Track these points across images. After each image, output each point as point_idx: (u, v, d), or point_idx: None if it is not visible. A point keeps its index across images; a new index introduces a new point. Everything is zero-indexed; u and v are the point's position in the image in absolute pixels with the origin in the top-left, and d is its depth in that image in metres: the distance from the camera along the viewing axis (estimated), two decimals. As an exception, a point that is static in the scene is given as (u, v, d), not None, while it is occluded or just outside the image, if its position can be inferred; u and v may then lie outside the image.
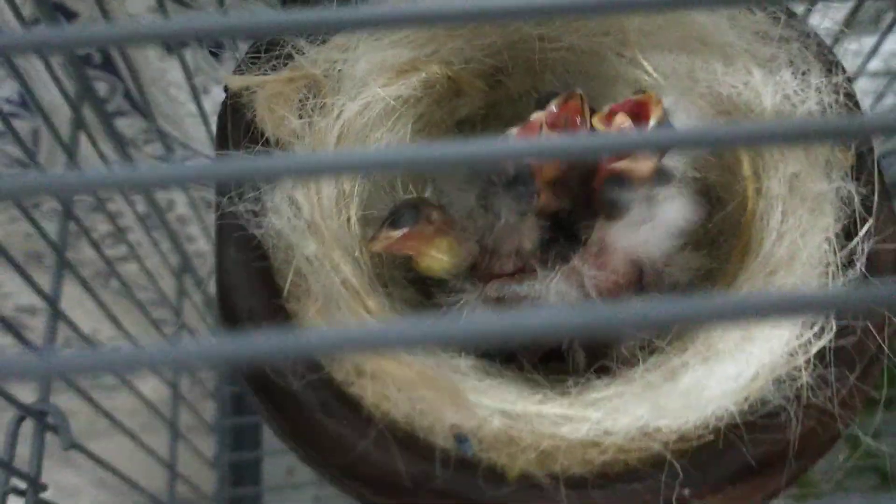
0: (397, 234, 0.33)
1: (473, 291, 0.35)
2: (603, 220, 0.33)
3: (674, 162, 0.34)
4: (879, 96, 0.72)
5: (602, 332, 0.15)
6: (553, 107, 0.33)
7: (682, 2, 0.19)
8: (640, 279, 0.35)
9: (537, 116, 0.32)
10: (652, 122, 0.32)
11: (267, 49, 0.34)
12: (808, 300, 0.16)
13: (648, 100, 0.32)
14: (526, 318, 0.15)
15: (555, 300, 0.33)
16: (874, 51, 0.64)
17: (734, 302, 0.16)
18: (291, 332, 0.15)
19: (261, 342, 0.15)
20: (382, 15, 0.17)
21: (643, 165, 0.31)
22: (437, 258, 0.35)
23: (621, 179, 0.32)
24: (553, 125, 0.33)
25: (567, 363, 0.36)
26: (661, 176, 0.32)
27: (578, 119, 0.33)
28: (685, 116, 0.35)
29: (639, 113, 0.32)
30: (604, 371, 0.33)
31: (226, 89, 0.33)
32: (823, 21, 0.68)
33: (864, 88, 0.74)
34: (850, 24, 0.61)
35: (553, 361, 0.36)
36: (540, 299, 0.33)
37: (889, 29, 0.64)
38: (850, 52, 0.67)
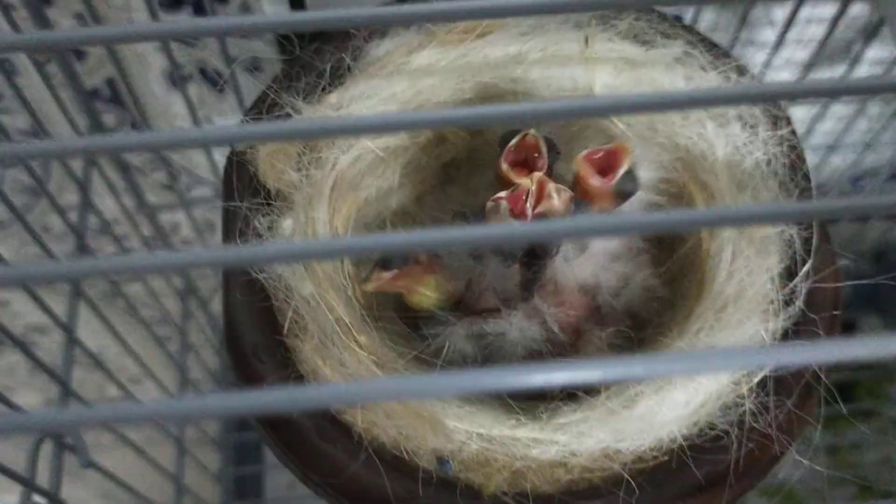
0: (388, 275, 0.36)
1: (456, 324, 0.39)
2: (545, 262, 0.37)
3: (630, 208, 0.38)
4: (851, 121, 0.76)
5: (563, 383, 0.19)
6: (511, 146, 0.37)
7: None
8: (597, 309, 0.39)
9: (522, 186, 0.35)
10: (622, 170, 0.36)
11: (268, 109, 0.37)
12: (747, 358, 0.20)
13: (620, 150, 0.36)
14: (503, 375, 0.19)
15: (517, 336, 0.37)
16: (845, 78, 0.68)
17: (684, 360, 0.19)
18: (293, 389, 0.18)
19: (265, 398, 0.18)
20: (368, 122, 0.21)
21: (558, 203, 0.35)
22: (426, 294, 0.38)
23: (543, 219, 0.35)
24: (514, 162, 0.37)
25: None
26: (578, 208, 0.35)
27: (536, 154, 0.37)
28: (646, 162, 0.39)
29: (610, 161, 0.36)
30: (572, 397, 0.37)
31: (231, 146, 0.37)
32: (795, 53, 0.72)
33: (839, 114, 0.78)
34: (821, 55, 0.65)
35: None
36: (505, 335, 0.37)
37: (857, 59, 0.68)
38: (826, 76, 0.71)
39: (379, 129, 0.22)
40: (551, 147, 0.37)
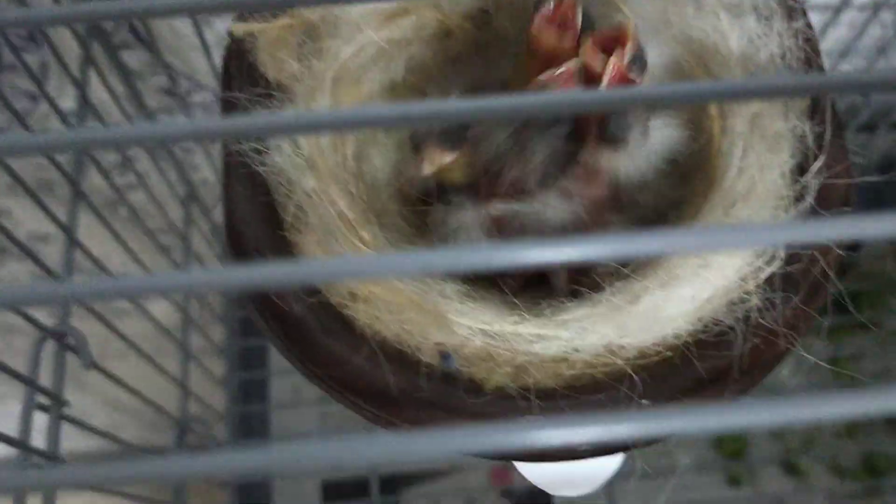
0: (450, 156, 0.35)
1: (473, 211, 0.38)
2: (597, 146, 0.36)
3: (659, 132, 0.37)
4: (863, 27, 0.74)
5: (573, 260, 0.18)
6: (550, 5, 0.36)
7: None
8: (619, 200, 0.38)
9: (567, 67, 0.34)
10: (628, 48, 0.34)
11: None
12: (760, 234, 0.19)
13: (624, 28, 0.35)
14: (520, 249, 0.18)
15: (552, 216, 0.36)
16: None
17: (696, 235, 0.19)
18: (294, 262, 0.18)
19: (266, 272, 0.18)
20: None
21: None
22: (456, 172, 0.37)
23: (621, 114, 0.34)
24: (552, 20, 0.36)
25: (551, 286, 0.39)
26: (635, 67, 0.34)
27: (571, 15, 0.36)
28: (657, 53, 0.38)
29: (616, 41, 0.35)
30: (576, 295, 0.36)
31: (230, 35, 0.36)
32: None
33: (851, 20, 0.76)
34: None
35: (533, 288, 0.40)
36: (538, 216, 0.36)
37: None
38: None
39: None
40: (586, 19, 0.36)
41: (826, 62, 0.77)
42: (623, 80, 0.34)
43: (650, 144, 0.37)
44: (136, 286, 0.18)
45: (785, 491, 0.81)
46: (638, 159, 0.37)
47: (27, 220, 0.87)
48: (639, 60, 0.35)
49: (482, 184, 0.37)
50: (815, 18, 0.71)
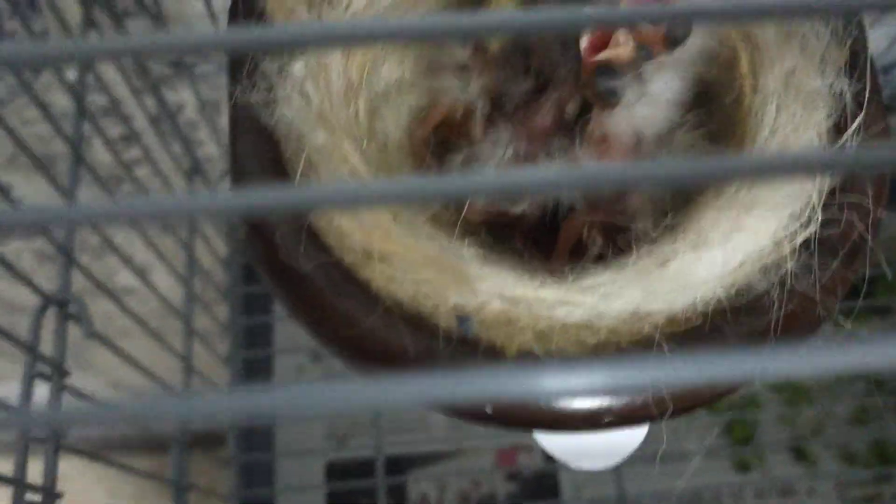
0: None
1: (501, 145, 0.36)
2: (598, 110, 0.34)
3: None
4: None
5: (609, 187, 0.17)
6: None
7: None
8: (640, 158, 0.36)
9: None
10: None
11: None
12: (813, 161, 0.17)
13: None
14: (528, 174, 0.17)
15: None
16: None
17: (742, 162, 0.17)
18: (298, 187, 0.16)
19: (269, 194, 0.16)
20: None
21: (624, 50, 0.32)
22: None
23: (608, 69, 0.33)
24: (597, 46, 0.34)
25: (582, 251, 0.38)
26: (642, 54, 0.33)
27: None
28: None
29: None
30: (601, 258, 0.35)
31: (237, -19, 0.34)
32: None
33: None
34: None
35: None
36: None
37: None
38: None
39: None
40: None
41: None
42: None
43: (656, 96, 0.35)
44: (135, 209, 0.17)
45: (794, 477, 0.79)
46: (651, 108, 0.35)
47: (29, 195, 0.86)
48: (682, 24, 0.33)
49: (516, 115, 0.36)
50: None
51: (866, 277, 0.33)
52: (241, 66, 0.33)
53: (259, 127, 0.32)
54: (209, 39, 0.17)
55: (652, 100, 0.34)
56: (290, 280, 0.31)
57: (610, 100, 0.33)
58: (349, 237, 0.30)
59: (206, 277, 0.79)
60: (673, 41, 0.32)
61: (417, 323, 0.31)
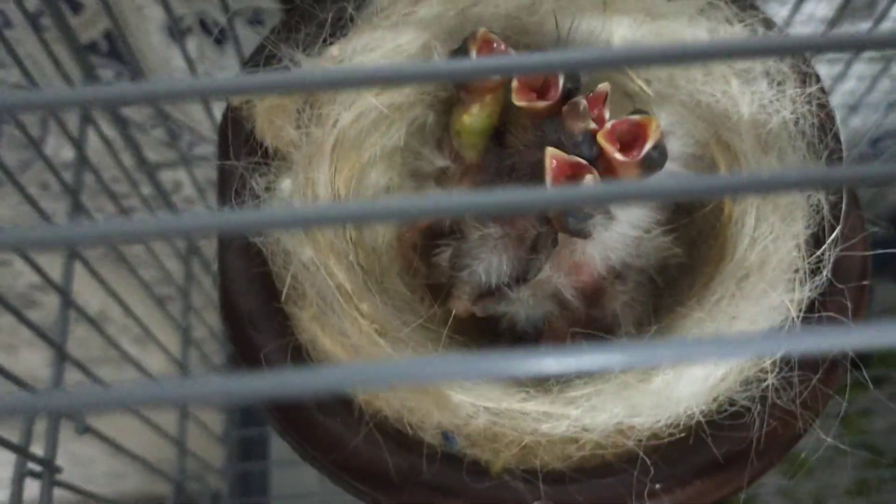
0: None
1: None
2: (567, 239, 0.35)
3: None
4: (873, 81, 0.73)
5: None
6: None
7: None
8: (614, 269, 0.37)
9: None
10: (648, 146, 0.33)
11: (265, 62, 0.35)
12: (759, 343, 0.18)
13: (647, 123, 0.33)
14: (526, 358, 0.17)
15: (530, 313, 0.36)
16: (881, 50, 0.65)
17: (687, 347, 0.17)
18: (302, 371, 0.16)
19: (272, 382, 0.16)
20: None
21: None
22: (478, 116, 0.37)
23: (577, 209, 0.33)
24: (530, 88, 0.35)
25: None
26: (652, 160, 0.33)
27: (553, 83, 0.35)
28: (680, 135, 0.37)
29: (637, 134, 0.33)
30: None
31: (228, 103, 0.35)
32: (818, 7, 0.69)
33: (860, 74, 0.75)
34: (845, 10, 0.62)
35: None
36: (515, 315, 0.36)
37: (883, 14, 0.65)
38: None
39: (378, 81, 0.20)
40: (570, 76, 0.35)
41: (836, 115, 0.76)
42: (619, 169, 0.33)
43: (623, 225, 0.36)
44: (130, 396, 0.17)
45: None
46: (612, 241, 0.36)
47: (27, 272, 0.86)
48: (655, 155, 0.33)
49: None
50: (824, 71, 0.71)
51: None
52: (230, 183, 0.34)
53: (247, 245, 0.33)
54: (206, 221, 0.17)
55: (620, 228, 0.35)
56: (279, 400, 0.31)
57: (581, 235, 0.34)
58: (334, 356, 0.31)
59: (200, 353, 0.79)
60: (649, 167, 0.33)
61: (402, 440, 0.31)
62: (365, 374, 0.17)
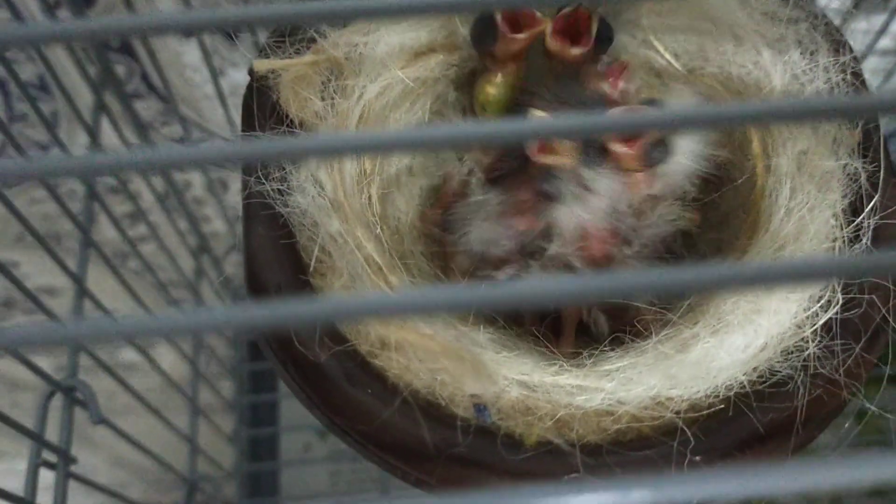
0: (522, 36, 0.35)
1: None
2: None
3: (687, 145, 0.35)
4: (889, 74, 0.72)
5: (614, 296, 0.17)
6: (564, 14, 0.35)
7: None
8: (622, 236, 0.36)
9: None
10: (645, 138, 0.33)
11: (290, 33, 0.35)
12: (817, 268, 0.17)
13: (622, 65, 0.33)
14: (536, 286, 0.16)
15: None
16: (883, 29, 0.65)
17: (744, 270, 0.17)
18: (312, 300, 0.16)
19: (281, 310, 0.16)
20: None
21: (566, 159, 0.33)
22: (493, 89, 0.37)
23: (549, 172, 0.33)
24: (561, 31, 0.35)
25: (590, 332, 0.37)
26: (653, 155, 0.33)
27: (584, 30, 0.35)
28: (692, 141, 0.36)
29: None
30: (618, 342, 0.34)
31: (251, 72, 0.34)
32: (832, 0, 0.69)
33: (873, 67, 0.75)
34: (860, 3, 0.61)
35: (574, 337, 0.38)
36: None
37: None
38: (860, 31, 0.68)
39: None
40: (604, 29, 0.35)
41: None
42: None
43: (597, 193, 0.35)
44: (143, 326, 0.16)
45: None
46: (583, 211, 0.35)
47: (34, 274, 0.86)
48: (660, 149, 0.33)
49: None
50: (878, 62, 0.70)
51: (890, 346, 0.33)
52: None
53: (273, 216, 0.32)
54: (227, 151, 0.17)
55: (593, 200, 0.35)
56: (305, 370, 0.31)
57: (549, 199, 0.34)
58: (364, 326, 0.30)
59: (211, 353, 0.78)
60: (650, 163, 0.33)
61: (435, 413, 0.30)
62: (380, 304, 0.16)
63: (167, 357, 0.79)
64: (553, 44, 0.35)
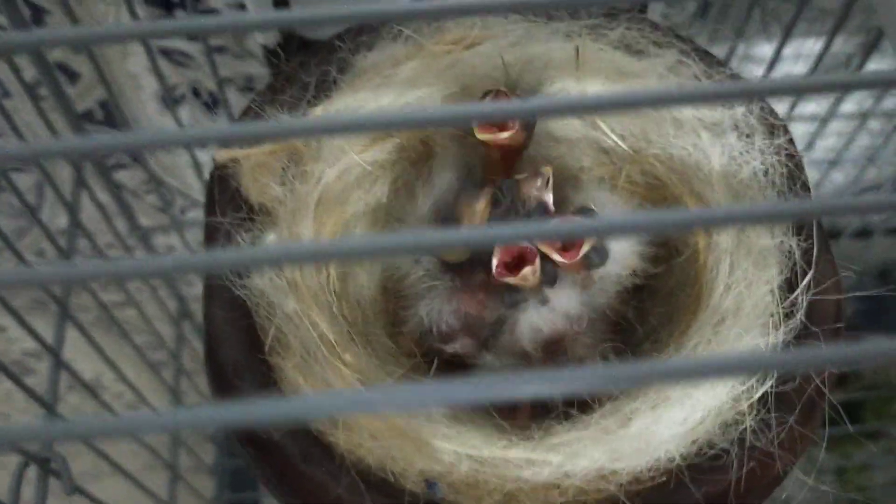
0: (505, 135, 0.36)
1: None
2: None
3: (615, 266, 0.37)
4: (850, 139, 0.75)
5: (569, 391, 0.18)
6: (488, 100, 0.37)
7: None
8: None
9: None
10: (585, 248, 0.35)
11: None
12: (743, 363, 0.19)
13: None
14: (495, 386, 0.18)
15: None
16: (844, 94, 0.67)
17: (674, 366, 0.18)
18: (281, 400, 0.17)
19: (249, 410, 0.17)
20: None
21: (530, 281, 0.35)
22: None
23: (513, 289, 0.35)
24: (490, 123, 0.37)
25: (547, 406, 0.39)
26: (547, 280, 0.35)
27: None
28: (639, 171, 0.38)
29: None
30: (566, 415, 0.35)
31: (214, 161, 0.36)
32: (797, 65, 0.71)
33: (839, 130, 0.77)
34: (821, 66, 0.64)
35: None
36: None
37: (862, 65, 0.67)
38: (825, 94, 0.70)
39: (357, 128, 0.21)
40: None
41: (815, 172, 0.78)
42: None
43: (558, 301, 0.37)
44: (118, 426, 0.17)
45: None
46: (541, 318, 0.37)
47: (21, 338, 0.87)
48: (598, 253, 0.36)
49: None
50: (804, 129, 0.73)
51: (856, 402, 0.34)
52: (215, 238, 0.35)
53: (232, 298, 0.34)
54: (187, 262, 0.18)
55: (556, 307, 0.37)
56: (261, 448, 0.32)
57: (514, 308, 0.36)
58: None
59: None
60: (590, 266, 0.35)
61: (385, 488, 0.31)
62: (336, 402, 0.17)
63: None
64: (481, 133, 0.36)
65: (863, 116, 0.73)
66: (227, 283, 0.34)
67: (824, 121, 0.70)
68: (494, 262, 0.34)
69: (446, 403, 0.17)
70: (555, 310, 0.37)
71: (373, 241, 0.19)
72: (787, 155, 0.37)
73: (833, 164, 0.76)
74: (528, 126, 0.37)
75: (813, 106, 0.71)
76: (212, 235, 0.35)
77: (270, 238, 0.35)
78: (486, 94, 0.37)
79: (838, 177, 0.80)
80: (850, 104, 0.73)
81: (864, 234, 0.85)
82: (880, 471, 0.86)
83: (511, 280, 0.34)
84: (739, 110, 0.37)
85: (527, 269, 0.34)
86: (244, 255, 0.19)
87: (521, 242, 0.34)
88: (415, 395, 0.18)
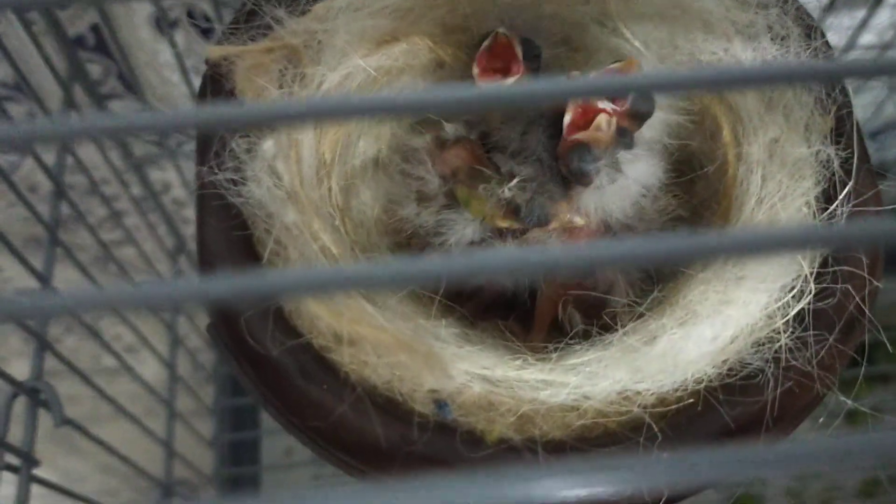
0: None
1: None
2: (570, 201, 0.34)
3: (650, 131, 0.34)
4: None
5: (588, 268, 0.16)
6: (484, 48, 0.34)
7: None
8: (611, 233, 0.35)
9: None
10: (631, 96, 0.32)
11: (247, 19, 0.34)
12: (801, 236, 0.16)
13: (629, 66, 0.32)
14: (492, 256, 0.15)
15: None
16: (864, 24, 0.64)
17: (728, 238, 0.16)
18: (263, 274, 0.15)
19: (234, 281, 0.15)
20: None
21: (604, 134, 0.31)
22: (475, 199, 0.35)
23: (585, 148, 0.32)
24: (489, 68, 0.34)
25: (564, 328, 0.36)
26: (622, 140, 0.32)
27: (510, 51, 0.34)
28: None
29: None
30: (586, 335, 0.33)
31: (206, 60, 0.33)
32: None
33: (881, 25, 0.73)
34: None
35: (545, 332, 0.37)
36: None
37: (878, 2, 0.64)
38: (843, 26, 0.67)
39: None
40: (529, 48, 0.34)
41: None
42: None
43: (628, 182, 0.34)
44: (89, 300, 0.15)
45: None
46: (623, 193, 0.34)
47: (17, 276, 0.85)
48: (645, 101, 0.32)
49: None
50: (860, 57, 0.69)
51: (866, 345, 0.32)
52: (209, 146, 0.32)
53: (227, 207, 0.31)
54: (185, 118, 0.16)
55: (624, 185, 0.33)
56: (258, 365, 0.30)
57: (582, 179, 0.33)
58: (318, 320, 0.29)
59: (191, 357, 0.77)
60: (637, 117, 0.32)
61: (392, 409, 0.29)
62: (327, 277, 0.15)
63: (150, 363, 0.78)
64: (482, 79, 0.34)
65: (884, 48, 0.70)
66: (222, 192, 0.31)
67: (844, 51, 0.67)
68: (566, 121, 0.31)
69: (440, 276, 0.15)
70: (626, 185, 0.34)
71: (414, 95, 0.16)
72: (825, 58, 0.34)
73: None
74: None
75: (868, 36, 0.68)
76: (205, 143, 0.32)
77: (268, 145, 0.32)
78: (484, 38, 0.34)
79: (857, 113, 0.77)
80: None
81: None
82: (891, 415, 0.85)
83: (583, 137, 0.31)
84: (774, 11, 0.34)
85: (601, 117, 0.31)
86: (242, 112, 0.17)
87: (580, 100, 0.31)
88: (402, 268, 0.15)
